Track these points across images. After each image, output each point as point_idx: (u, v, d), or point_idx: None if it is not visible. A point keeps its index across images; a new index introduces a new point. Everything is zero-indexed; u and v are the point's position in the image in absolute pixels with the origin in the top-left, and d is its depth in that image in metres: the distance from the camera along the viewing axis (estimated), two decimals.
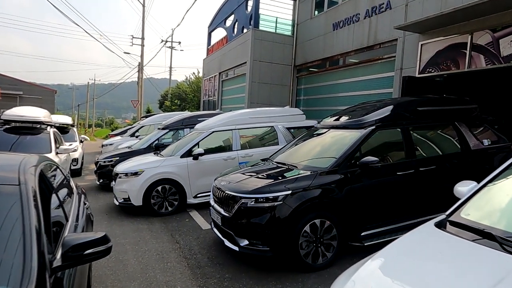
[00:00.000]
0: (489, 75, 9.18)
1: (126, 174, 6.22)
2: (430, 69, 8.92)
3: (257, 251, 3.70)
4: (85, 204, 3.20)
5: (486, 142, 5.03)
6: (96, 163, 8.75)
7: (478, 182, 5.11)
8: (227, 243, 3.98)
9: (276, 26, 15.38)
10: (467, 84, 8.37)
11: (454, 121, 4.95)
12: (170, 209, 6.23)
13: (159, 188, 6.16)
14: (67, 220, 2.23)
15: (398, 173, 4.20)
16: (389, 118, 4.51)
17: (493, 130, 5.33)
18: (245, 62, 14.95)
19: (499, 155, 5.06)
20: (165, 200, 6.20)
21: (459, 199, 2.19)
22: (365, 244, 3.94)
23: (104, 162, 8.34)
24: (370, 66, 11.13)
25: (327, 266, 3.81)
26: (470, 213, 1.78)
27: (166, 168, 6.22)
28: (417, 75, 9.09)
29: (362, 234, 4.00)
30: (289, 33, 15.12)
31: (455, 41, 8.30)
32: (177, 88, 36.12)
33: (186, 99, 33.11)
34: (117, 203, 6.34)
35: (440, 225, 1.80)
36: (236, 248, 3.81)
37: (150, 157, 6.85)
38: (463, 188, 2.14)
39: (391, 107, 4.62)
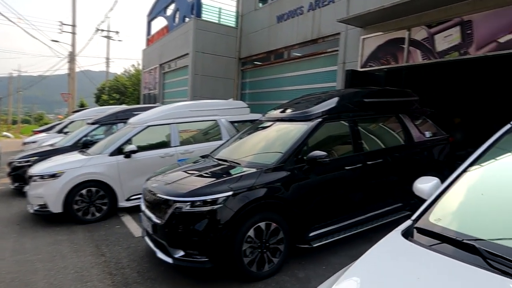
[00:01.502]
0: (426, 69, 9.59)
1: (42, 177, 5.29)
2: (372, 63, 9.05)
3: (195, 263, 3.20)
4: None
5: (427, 134, 5.04)
6: (9, 164, 7.52)
7: (424, 175, 5.11)
8: (159, 254, 3.42)
9: (219, 17, 14.79)
10: (406, 78, 8.61)
11: (398, 113, 4.88)
12: (98, 215, 5.44)
13: (84, 191, 5.34)
14: None
15: (346, 168, 3.96)
16: (336, 109, 4.27)
17: (431, 122, 5.38)
18: (187, 54, 14.17)
19: (438, 147, 5.11)
20: (91, 205, 5.40)
21: (419, 197, 1.92)
22: (314, 245, 3.64)
23: (20, 162, 7.18)
24: (314, 60, 11.09)
25: (274, 273, 3.44)
26: (440, 218, 1.49)
27: (92, 168, 5.41)
28: (359, 69, 9.18)
29: (310, 235, 3.69)
30: (233, 24, 14.63)
31: (394, 36, 8.47)
32: (115, 81, 33.70)
33: (125, 92, 31.02)
34: (31, 211, 5.38)
35: (407, 234, 1.48)
36: (170, 260, 3.28)
37: (74, 156, 5.95)
38: (424, 185, 1.87)
39: (337, 98, 4.38)
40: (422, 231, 1.47)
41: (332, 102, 4.31)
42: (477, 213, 1.51)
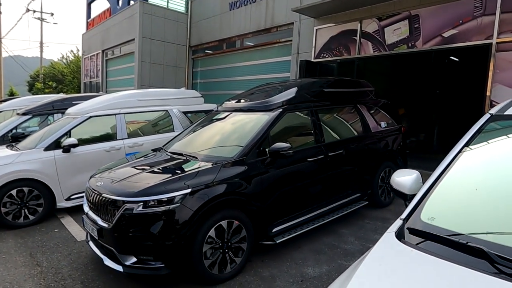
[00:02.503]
0: (377, 61, 9.88)
1: None
2: (325, 54, 9.10)
3: (149, 270, 2.86)
4: None
5: (383, 124, 5.12)
6: None
7: (384, 166, 5.13)
8: (107, 262, 3.03)
9: (167, 1, 13.97)
10: (358, 70, 8.79)
11: (356, 103, 4.88)
12: (32, 217, 4.78)
13: (14, 192, 4.65)
14: None
15: (308, 159, 3.84)
16: (297, 99, 4.12)
17: (385, 113, 5.48)
18: (133, 39, 13.25)
19: (392, 137, 5.22)
20: (23, 207, 4.73)
21: (399, 192, 1.79)
22: (277, 241, 3.48)
23: None
24: (268, 50, 10.93)
25: (237, 274, 3.22)
26: (434, 216, 1.37)
27: (22, 165, 4.72)
28: (313, 60, 9.19)
29: (274, 230, 3.52)
30: (183, 9, 13.94)
31: (347, 28, 8.57)
32: (51, 68, 30.78)
33: (63, 81, 28.47)
34: None
35: (400, 236, 1.34)
36: (120, 268, 2.90)
37: (1, 151, 5.17)
38: (404, 179, 1.75)
39: (297, 88, 4.22)
40: (414, 232, 1.33)
41: (292, 92, 4.14)
42: (472, 209, 1.41)
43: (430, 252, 1.20)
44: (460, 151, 1.62)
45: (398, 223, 1.43)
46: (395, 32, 7.69)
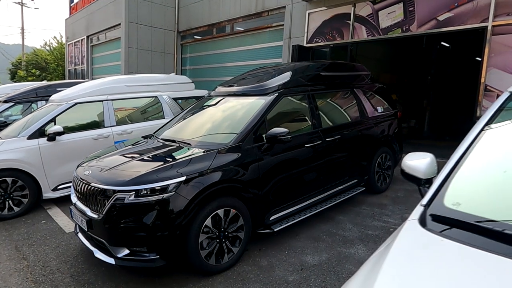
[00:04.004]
0: (369, 46, 9.73)
1: None
2: (317, 39, 8.92)
3: (143, 262, 2.72)
4: None
5: (379, 109, 5.02)
6: None
7: (381, 152, 5.04)
8: (98, 254, 2.88)
9: None
10: (351, 55, 8.64)
11: (353, 87, 4.75)
12: (16, 209, 4.57)
13: None
14: None
15: (306, 145, 3.71)
16: (293, 83, 3.96)
17: (380, 97, 5.37)
18: (119, 24, 12.79)
19: (388, 122, 5.13)
20: (7, 199, 4.51)
21: (411, 177, 1.68)
22: (275, 230, 3.37)
23: None
24: (259, 35, 10.68)
25: (235, 264, 3.11)
26: (459, 201, 1.26)
27: (4, 155, 4.47)
28: (305, 45, 9.00)
29: (271, 218, 3.41)
30: None
31: (340, 11, 8.38)
32: (34, 55, 29.75)
33: (47, 68, 27.56)
34: None
35: (423, 223, 1.22)
36: (112, 261, 2.76)
37: None
38: (418, 162, 1.63)
39: (293, 71, 4.06)
40: (439, 219, 1.22)
41: (288, 75, 3.98)
42: (502, 194, 1.30)
43: (460, 240, 1.09)
44: (481, 131, 1.51)
45: (419, 209, 1.31)
46: (389, 16, 7.55)
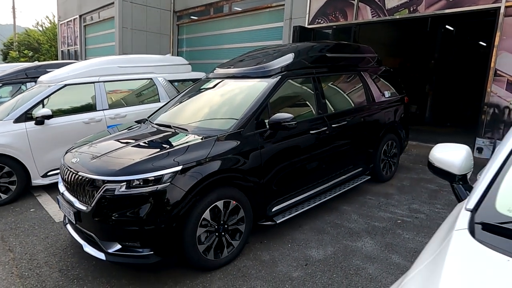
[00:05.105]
0: (372, 28, 9.36)
1: None
2: (320, 20, 8.55)
3: (136, 258, 2.52)
4: None
5: (386, 94, 4.77)
6: None
7: (388, 138, 4.79)
8: (87, 248, 2.67)
9: None
10: (354, 37, 8.30)
11: (360, 70, 4.48)
12: (4, 196, 4.34)
13: None
14: None
15: (311, 132, 3.48)
16: (298, 65, 3.69)
17: (387, 82, 5.11)
18: (112, 3, 12.28)
19: (395, 107, 4.89)
20: None
21: (440, 171, 1.45)
22: (278, 222, 3.17)
23: None
24: (258, 15, 10.27)
25: (235, 258, 2.92)
26: None
27: None
28: (307, 26, 8.63)
29: (273, 210, 3.21)
30: None
31: None
32: (26, 36, 28.91)
33: (39, 49, 26.83)
34: None
35: (473, 232, 1.00)
36: (102, 256, 2.55)
37: None
38: (452, 155, 1.40)
39: (296, 52, 3.78)
40: (492, 229, 1.00)
41: (291, 56, 3.70)
42: None
43: None
44: None
45: (465, 215, 1.09)
46: None
